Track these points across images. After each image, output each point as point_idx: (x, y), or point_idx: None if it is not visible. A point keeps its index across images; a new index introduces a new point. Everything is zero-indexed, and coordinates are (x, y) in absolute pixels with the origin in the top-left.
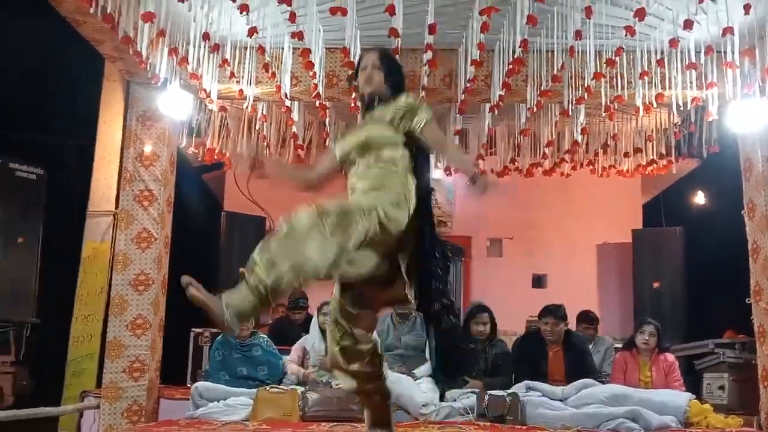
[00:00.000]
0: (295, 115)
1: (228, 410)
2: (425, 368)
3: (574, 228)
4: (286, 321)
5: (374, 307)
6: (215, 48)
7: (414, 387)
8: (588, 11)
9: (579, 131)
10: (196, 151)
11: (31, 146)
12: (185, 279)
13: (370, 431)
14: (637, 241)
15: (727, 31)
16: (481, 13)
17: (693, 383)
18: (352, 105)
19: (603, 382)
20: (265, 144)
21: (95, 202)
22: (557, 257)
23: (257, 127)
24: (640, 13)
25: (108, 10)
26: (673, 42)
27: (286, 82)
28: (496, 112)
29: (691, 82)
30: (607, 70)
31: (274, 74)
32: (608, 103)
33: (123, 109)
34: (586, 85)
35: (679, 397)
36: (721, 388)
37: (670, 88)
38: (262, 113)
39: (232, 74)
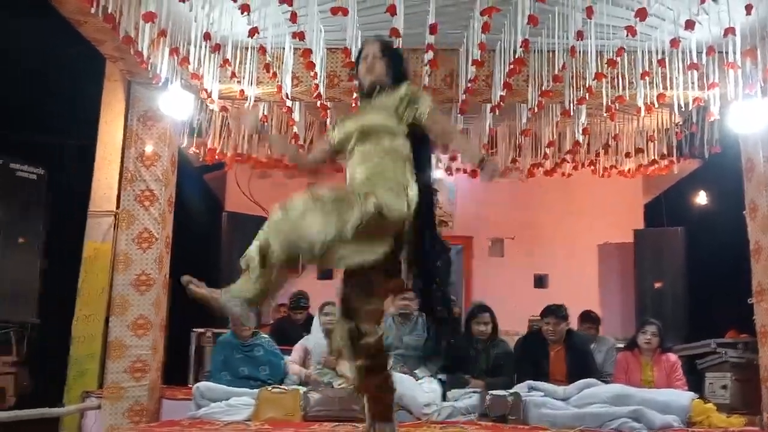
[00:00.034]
0: (296, 116)
1: (230, 410)
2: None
3: (576, 228)
4: (287, 321)
5: (381, 295)
6: (216, 48)
7: (416, 387)
8: (589, 11)
9: (580, 131)
10: (197, 151)
11: (31, 146)
12: (185, 278)
13: (371, 424)
14: (639, 241)
15: (729, 31)
16: (482, 13)
17: (695, 383)
18: (353, 105)
19: (605, 382)
20: (266, 145)
21: (96, 202)
22: (558, 257)
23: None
24: (642, 14)
25: (109, 10)
26: (675, 42)
27: (287, 82)
28: (497, 113)
29: (692, 83)
30: (609, 71)
31: (275, 74)
32: (609, 104)
33: (124, 109)
34: (587, 86)
35: (682, 397)
36: (724, 387)
37: (671, 88)
38: (264, 113)
39: (233, 74)
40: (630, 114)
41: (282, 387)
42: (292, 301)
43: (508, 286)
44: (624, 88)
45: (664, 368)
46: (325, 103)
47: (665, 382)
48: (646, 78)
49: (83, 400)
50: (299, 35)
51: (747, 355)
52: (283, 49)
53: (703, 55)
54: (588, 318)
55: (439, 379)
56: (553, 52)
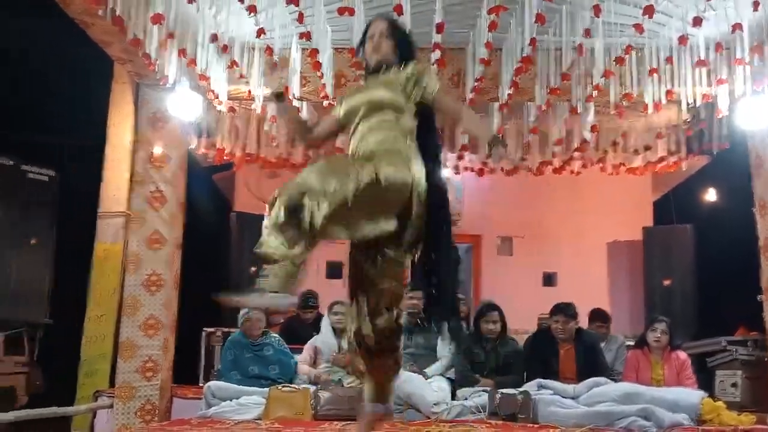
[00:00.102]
0: (303, 116)
1: (240, 409)
2: (436, 367)
3: (585, 226)
4: (296, 320)
5: (392, 276)
6: (224, 49)
7: (425, 386)
8: (597, 9)
9: (588, 129)
10: (206, 152)
11: (42, 148)
12: (221, 299)
13: (368, 405)
14: (648, 238)
15: (737, 27)
16: (489, 11)
17: (705, 381)
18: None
19: (615, 381)
20: (274, 144)
21: (106, 204)
22: (567, 255)
23: (266, 128)
24: (649, 11)
25: (117, 12)
26: (683, 39)
27: (294, 82)
28: (505, 111)
29: (700, 79)
30: (617, 68)
31: None
32: (618, 101)
33: (133, 111)
34: (595, 83)
35: (692, 395)
36: (734, 385)
37: (679, 85)
38: (271, 114)
39: (241, 75)
40: (638, 111)
41: (292, 386)
42: (302, 301)
43: (516, 285)
44: (632, 86)
45: (673, 366)
46: (332, 102)
47: (675, 380)
48: (654, 75)
49: (95, 399)
50: (306, 35)
51: (757, 353)
52: (290, 49)
53: (711, 52)
54: (598, 316)
55: (449, 378)
56: (561, 50)
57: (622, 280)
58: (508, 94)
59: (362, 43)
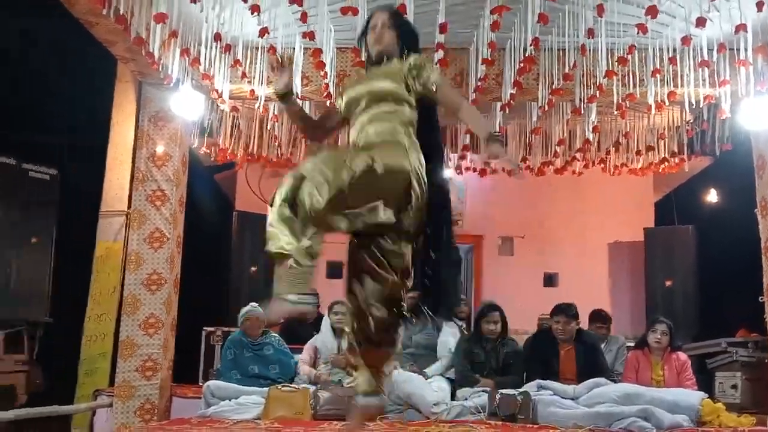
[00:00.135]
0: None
1: (240, 409)
2: (436, 367)
3: (586, 226)
4: (296, 320)
5: (385, 268)
6: (227, 48)
7: (425, 386)
8: (600, 9)
9: (591, 129)
10: (208, 151)
11: (44, 147)
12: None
13: (362, 398)
14: (649, 239)
15: (740, 28)
16: (492, 11)
17: (705, 382)
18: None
19: (615, 381)
20: (276, 144)
21: (108, 202)
22: (569, 256)
23: (269, 127)
24: (653, 11)
25: (120, 12)
26: (686, 39)
27: (297, 82)
28: (507, 111)
29: (703, 80)
30: (619, 68)
31: None
32: (620, 101)
33: (135, 110)
34: (597, 84)
35: (692, 396)
36: (734, 387)
37: (682, 85)
38: (274, 113)
39: (244, 74)
40: (641, 112)
41: (292, 386)
42: None
43: (517, 285)
44: (635, 86)
45: (674, 367)
46: (334, 102)
47: (675, 382)
48: (657, 75)
49: (94, 398)
50: (309, 35)
51: (758, 355)
52: (293, 48)
53: (714, 53)
54: (599, 317)
55: (448, 378)
56: (564, 50)
57: (623, 281)
58: (511, 94)
59: (364, 33)
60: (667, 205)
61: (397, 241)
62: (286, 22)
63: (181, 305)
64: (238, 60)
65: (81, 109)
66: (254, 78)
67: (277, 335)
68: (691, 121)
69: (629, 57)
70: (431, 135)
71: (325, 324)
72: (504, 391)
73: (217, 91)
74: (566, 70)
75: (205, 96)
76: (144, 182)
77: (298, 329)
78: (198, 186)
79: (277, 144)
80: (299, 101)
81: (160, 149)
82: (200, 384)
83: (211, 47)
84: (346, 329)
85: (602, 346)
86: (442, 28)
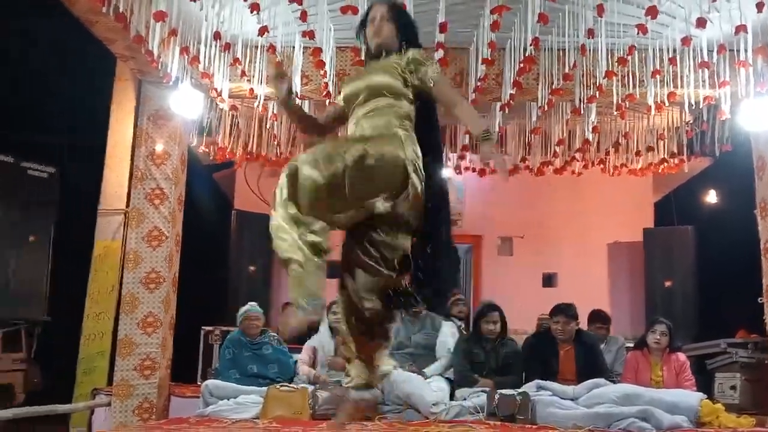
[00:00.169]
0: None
1: (238, 408)
2: (435, 367)
3: (585, 227)
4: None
5: (378, 262)
6: (226, 47)
7: (424, 386)
8: (600, 9)
9: (590, 130)
10: (207, 149)
11: (42, 145)
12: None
13: (355, 392)
14: (649, 240)
15: (740, 29)
16: (492, 11)
17: (704, 383)
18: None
19: (614, 382)
20: (275, 143)
21: (106, 201)
22: (568, 256)
23: (268, 126)
24: (653, 12)
25: (120, 10)
26: (686, 40)
27: (296, 81)
28: (507, 111)
29: (703, 81)
30: (619, 69)
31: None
32: (620, 102)
33: (134, 108)
34: (597, 84)
35: (691, 397)
36: (733, 387)
37: (682, 86)
38: (273, 112)
39: (243, 73)
40: (640, 112)
41: (290, 385)
42: None
43: (516, 285)
44: (635, 87)
45: (673, 368)
46: (334, 101)
47: (674, 382)
48: (657, 76)
49: (93, 397)
50: (309, 34)
51: (757, 355)
52: (293, 47)
53: (714, 53)
54: (598, 317)
55: (448, 378)
56: (564, 50)
57: (622, 281)
58: (511, 94)
59: (363, 25)
60: (667, 205)
61: (391, 233)
62: (286, 20)
63: (180, 304)
64: (238, 58)
65: (80, 108)
66: (254, 77)
67: (275, 335)
68: (691, 121)
69: (629, 57)
70: (431, 134)
71: (324, 324)
72: (503, 391)
73: (216, 89)
74: (566, 71)
75: (204, 94)
76: (143, 181)
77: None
78: (197, 185)
79: (276, 143)
80: (299, 100)
81: (159, 148)
82: (199, 383)
83: (211, 46)
84: (342, 325)
85: (602, 346)
86: (442, 28)
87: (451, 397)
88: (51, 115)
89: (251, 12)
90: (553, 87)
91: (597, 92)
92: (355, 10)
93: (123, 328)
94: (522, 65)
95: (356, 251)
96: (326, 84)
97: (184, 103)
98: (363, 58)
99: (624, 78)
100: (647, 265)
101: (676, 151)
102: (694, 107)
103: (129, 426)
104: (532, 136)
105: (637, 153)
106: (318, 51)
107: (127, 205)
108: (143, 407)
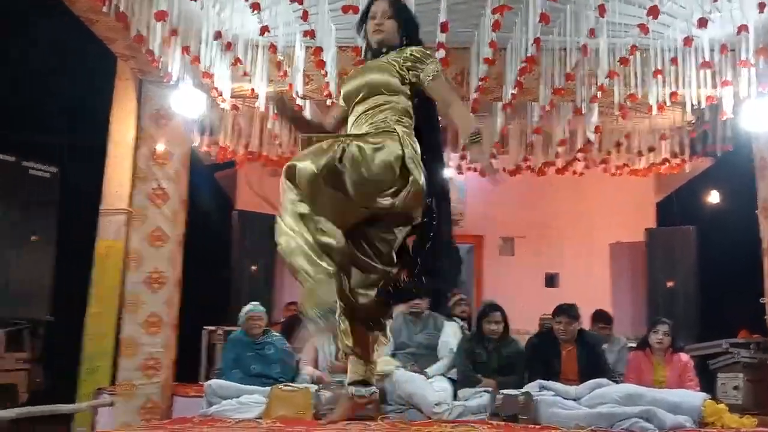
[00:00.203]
0: (307, 114)
1: (241, 408)
2: (438, 367)
3: (587, 227)
4: (297, 319)
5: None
6: (227, 47)
7: (426, 386)
8: (601, 9)
9: (592, 130)
10: (209, 149)
11: (44, 145)
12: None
13: (353, 388)
14: (651, 240)
15: (742, 29)
16: (493, 11)
17: (707, 383)
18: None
19: (617, 382)
20: (277, 143)
21: (108, 201)
22: (570, 256)
23: (269, 126)
24: (654, 11)
25: (121, 9)
26: (688, 40)
27: (298, 80)
28: (508, 111)
29: (705, 81)
30: (621, 69)
31: (286, 73)
32: (622, 102)
33: (135, 108)
34: (599, 84)
35: (694, 397)
36: (736, 388)
37: (684, 86)
38: (274, 112)
39: (245, 73)
40: (642, 112)
41: (293, 385)
42: None
43: (518, 285)
44: (636, 87)
45: (675, 368)
46: (335, 101)
47: (677, 383)
48: (659, 76)
49: (96, 397)
50: (310, 33)
51: (759, 356)
52: (294, 47)
53: (716, 53)
54: (601, 317)
55: (450, 378)
56: (565, 50)
57: (624, 282)
58: (512, 94)
59: (363, 20)
60: (669, 205)
61: (386, 227)
62: (287, 20)
63: (183, 304)
64: (239, 58)
65: (81, 107)
66: (255, 76)
67: (278, 334)
68: (693, 121)
69: (631, 57)
70: (432, 135)
71: None
72: (506, 391)
73: (217, 89)
74: (568, 70)
75: (205, 94)
76: (144, 181)
77: (299, 328)
78: (198, 184)
79: (277, 143)
80: (300, 101)
81: (160, 148)
82: (202, 383)
83: (212, 45)
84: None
85: (604, 346)
86: (444, 28)
87: (454, 397)
88: (52, 114)
89: (252, 12)
90: (555, 87)
91: (599, 92)
92: (356, 10)
93: (126, 328)
94: (523, 65)
95: (351, 248)
96: (327, 83)
97: (185, 103)
98: (363, 53)
99: (626, 78)
100: (649, 266)
101: (677, 151)
102: (695, 107)
103: (132, 426)
104: (534, 136)
105: (639, 153)
106: (319, 50)
107: (129, 205)
108: (147, 407)
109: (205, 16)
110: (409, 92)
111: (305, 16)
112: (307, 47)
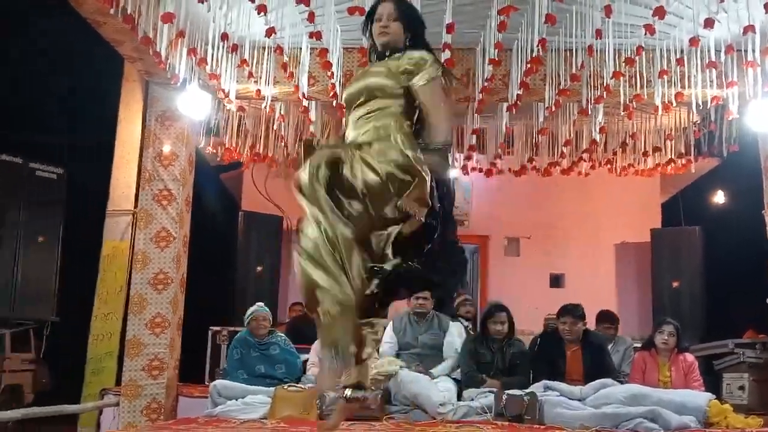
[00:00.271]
0: (312, 115)
1: (246, 408)
2: (442, 367)
3: (593, 227)
4: (302, 320)
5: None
6: (234, 48)
7: (431, 386)
8: (607, 10)
9: (597, 130)
10: (214, 150)
11: (51, 146)
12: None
13: (349, 390)
14: (656, 240)
15: (748, 29)
16: (499, 12)
17: (712, 383)
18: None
19: (622, 382)
20: (282, 144)
21: (114, 202)
22: (575, 257)
23: (275, 127)
24: (660, 12)
25: (128, 11)
26: (693, 41)
27: (303, 82)
28: (514, 112)
29: (711, 81)
30: (627, 69)
31: (291, 74)
32: (627, 102)
33: (142, 109)
34: (605, 84)
35: (699, 398)
36: (741, 388)
37: (689, 86)
38: (280, 113)
39: (251, 74)
40: (648, 113)
41: (298, 385)
42: None
43: (524, 286)
44: (642, 87)
45: (681, 368)
46: (341, 102)
47: (682, 383)
48: (665, 76)
49: (101, 397)
50: (316, 35)
51: (765, 356)
52: (300, 48)
53: (722, 54)
54: (606, 318)
55: (455, 379)
56: (571, 50)
57: (629, 282)
58: (518, 95)
59: (368, 21)
60: (674, 206)
61: (385, 228)
62: (293, 22)
63: (188, 305)
64: (245, 60)
65: (88, 109)
66: (261, 78)
67: (283, 335)
68: (699, 122)
69: (636, 58)
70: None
71: None
72: (510, 391)
73: (223, 90)
74: (573, 71)
75: (211, 96)
76: (151, 181)
77: (304, 329)
78: (204, 185)
79: (283, 144)
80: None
81: (166, 149)
82: (207, 383)
83: (218, 47)
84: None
85: (609, 346)
86: (449, 29)
87: (459, 397)
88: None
89: (258, 14)
90: (561, 87)
91: (604, 93)
92: (362, 11)
93: (131, 328)
94: (529, 66)
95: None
96: (333, 85)
97: (192, 104)
98: (368, 53)
99: (631, 78)
100: (655, 266)
101: (683, 151)
102: (701, 107)
103: (137, 426)
104: (539, 136)
105: (645, 153)
106: (325, 52)
107: (135, 206)
108: (151, 407)
109: (211, 17)
110: (407, 96)
111: (311, 17)
112: (313, 48)
